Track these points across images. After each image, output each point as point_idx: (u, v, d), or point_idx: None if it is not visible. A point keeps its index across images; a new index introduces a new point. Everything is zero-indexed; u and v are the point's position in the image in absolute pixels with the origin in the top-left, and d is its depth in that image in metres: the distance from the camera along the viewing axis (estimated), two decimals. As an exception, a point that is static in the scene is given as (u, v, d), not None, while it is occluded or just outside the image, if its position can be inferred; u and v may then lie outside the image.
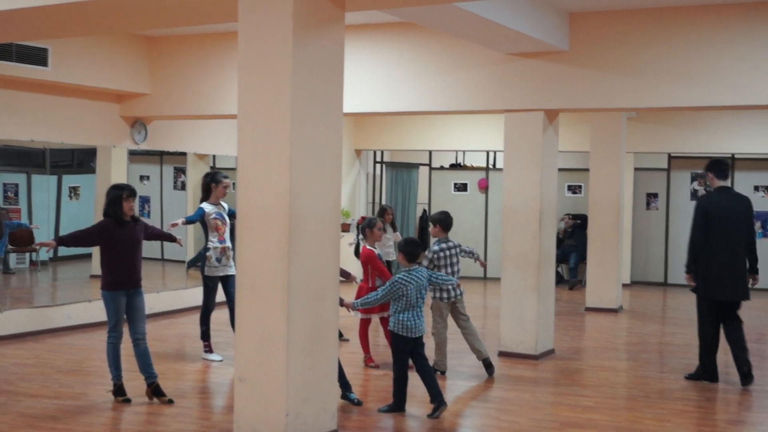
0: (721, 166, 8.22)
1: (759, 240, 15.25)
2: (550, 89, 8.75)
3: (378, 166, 17.36)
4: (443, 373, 8.22)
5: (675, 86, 8.22)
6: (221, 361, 8.73)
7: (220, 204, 8.88)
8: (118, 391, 7.11)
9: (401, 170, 17.32)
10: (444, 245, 8.12)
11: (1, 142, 10.18)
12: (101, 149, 11.29)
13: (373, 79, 9.51)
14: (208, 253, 8.72)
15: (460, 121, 15.49)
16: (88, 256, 11.14)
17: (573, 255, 15.58)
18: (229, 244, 8.78)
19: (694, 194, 15.90)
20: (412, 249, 6.93)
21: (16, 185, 10.74)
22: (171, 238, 7.80)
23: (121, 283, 7.02)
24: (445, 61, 9.20)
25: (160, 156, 12.76)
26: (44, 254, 10.86)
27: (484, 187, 16.76)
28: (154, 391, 7.08)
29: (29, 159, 10.71)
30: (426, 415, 6.76)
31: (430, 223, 8.44)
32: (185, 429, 6.38)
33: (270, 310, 5.65)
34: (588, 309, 12.67)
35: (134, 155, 11.75)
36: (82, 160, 11.59)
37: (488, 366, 8.24)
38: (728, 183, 8.29)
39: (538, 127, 8.94)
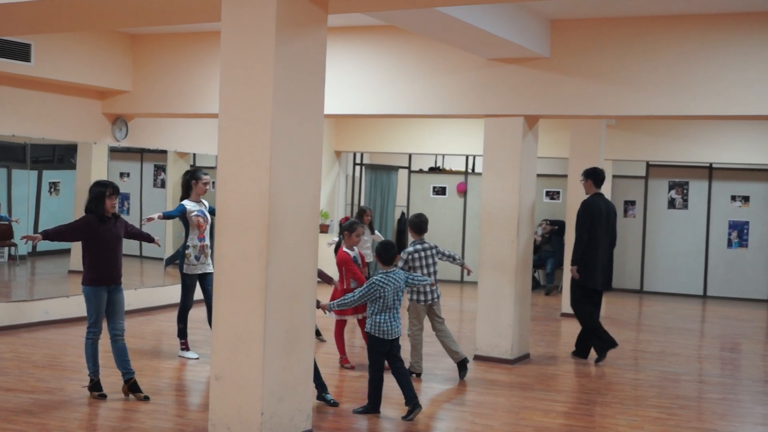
0: (600, 175, 9.50)
1: (735, 249, 15.68)
2: (530, 95, 8.82)
3: (358, 168, 17.40)
4: (419, 375, 8.27)
5: (654, 95, 8.32)
6: (197, 358, 8.75)
7: (201, 201, 8.88)
8: (95, 386, 7.13)
9: (381, 172, 17.37)
10: (419, 246, 8.18)
11: (-20, 136, 10.15)
12: (82, 145, 11.27)
13: (355, 82, 9.55)
14: (187, 251, 8.71)
15: (440, 125, 15.55)
16: (67, 251, 11.10)
17: (550, 261, 15.68)
18: (208, 242, 8.78)
19: (671, 203, 16.06)
20: (387, 252, 7.00)
21: (-5, 179, 10.71)
22: (149, 239, 7.78)
23: (103, 279, 7.06)
24: (427, 64, 9.26)
25: (140, 153, 12.74)
26: (23, 249, 10.81)
27: (462, 191, 16.83)
28: (131, 387, 7.09)
29: (10, 153, 10.66)
30: (401, 417, 6.81)
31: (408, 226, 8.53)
32: (161, 426, 6.38)
33: (247, 309, 5.67)
34: (564, 314, 12.73)
35: (115, 152, 11.73)
36: (62, 155, 11.55)
37: (463, 368, 8.28)
38: (601, 191, 9.51)
39: (518, 133, 9.01)
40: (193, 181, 8.80)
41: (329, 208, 15.92)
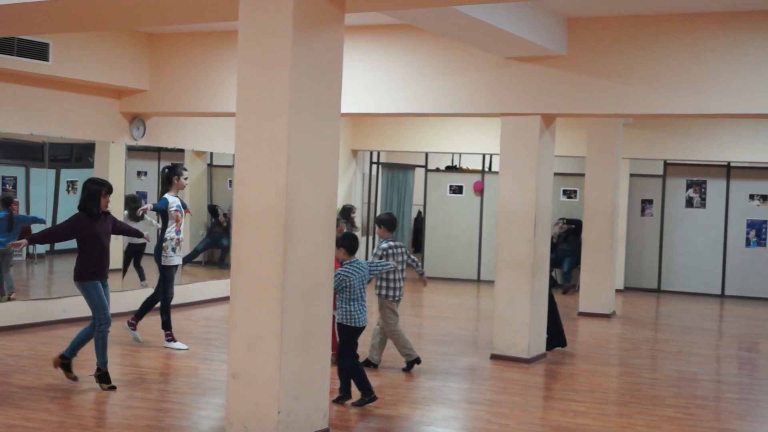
0: None
1: (754, 248, 15.57)
2: (547, 94, 8.79)
3: (374, 166, 17.40)
4: (419, 361, 8.36)
5: (672, 93, 8.27)
6: (187, 349, 8.98)
7: (178, 196, 9.24)
8: (103, 377, 7.29)
9: (397, 171, 17.36)
10: (392, 243, 8.38)
11: (0, 135, 10.21)
12: (100, 144, 11.32)
13: (371, 80, 9.55)
14: (164, 243, 8.96)
15: (457, 124, 15.54)
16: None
17: (567, 260, 15.63)
18: (182, 235, 9.21)
19: (689, 201, 15.97)
20: (351, 243, 7.30)
21: (15, 178, 10.76)
22: (137, 234, 8.12)
23: (97, 274, 7.30)
24: (443, 63, 9.24)
25: (157, 152, 12.79)
26: (41, 247, 10.88)
27: (479, 189, 16.80)
28: (101, 377, 7.29)
29: (28, 152, 10.73)
30: (351, 403, 6.99)
31: (376, 225, 8.69)
32: (177, 424, 6.40)
33: (264, 308, 5.68)
34: (581, 314, 12.71)
35: (132, 151, 11.78)
36: (80, 154, 11.62)
37: (411, 366, 8.40)
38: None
39: (535, 131, 8.98)
40: (174, 177, 9.14)
41: (345, 206, 15.91)
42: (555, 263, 15.48)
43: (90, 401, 6.99)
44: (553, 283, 15.50)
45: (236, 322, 5.82)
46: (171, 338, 9.09)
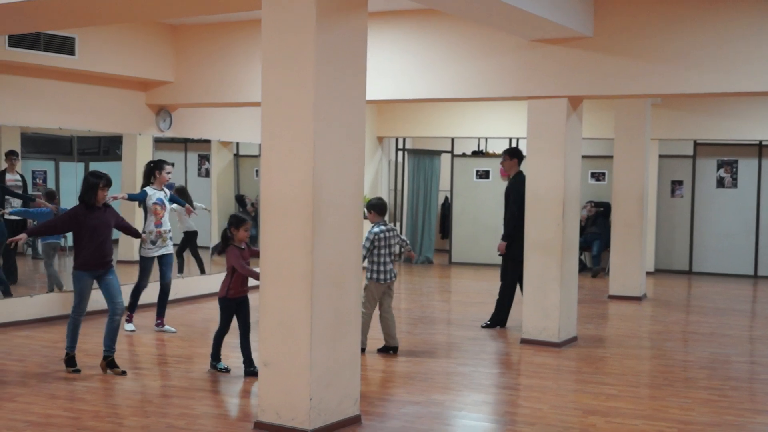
0: (522, 155, 10.05)
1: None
2: (574, 76, 8.71)
3: (400, 153, 17.38)
4: (364, 350, 8.35)
5: (701, 72, 8.15)
6: (133, 331, 9.41)
7: (163, 189, 9.42)
8: (70, 361, 7.58)
9: (423, 157, 17.32)
10: (383, 227, 8.42)
11: (29, 130, 10.30)
12: (127, 137, 11.40)
13: (396, 67, 9.51)
14: (143, 235, 9.10)
15: (483, 108, 15.46)
16: (115, 241, 11.22)
17: (596, 243, 15.52)
18: (167, 227, 9.38)
19: (720, 182, 15.80)
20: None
21: (45, 172, 10.88)
22: (136, 234, 8.35)
23: (90, 264, 7.49)
24: (468, 47, 9.18)
25: (184, 143, 12.85)
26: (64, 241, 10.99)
27: (506, 174, 16.68)
28: (109, 363, 7.52)
29: (57, 146, 10.84)
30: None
31: (365, 210, 8.67)
32: (210, 412, 6.45)
33: (293, 296, 5.70)
34: (611, 297, 12.64)
35: (159, 142, 11.85)
36: (108, 147, 11.70)
37: (391, 349, 8.50)
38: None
39: (562, 114, 8.91)
40: (156, 171, 9.38)
41: (372, 194, 15.91)
42: (584, 246, 15.38)
43: (125, 391, 7.05)
44: (582, 266, 15.51)
45: (266, 311, 5.84)
46: (130, 320, 9.49)
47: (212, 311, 10.90)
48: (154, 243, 9.26)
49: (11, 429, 5.93)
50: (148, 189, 9.33)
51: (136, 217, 10.52)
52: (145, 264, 9.35)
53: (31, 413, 6.31)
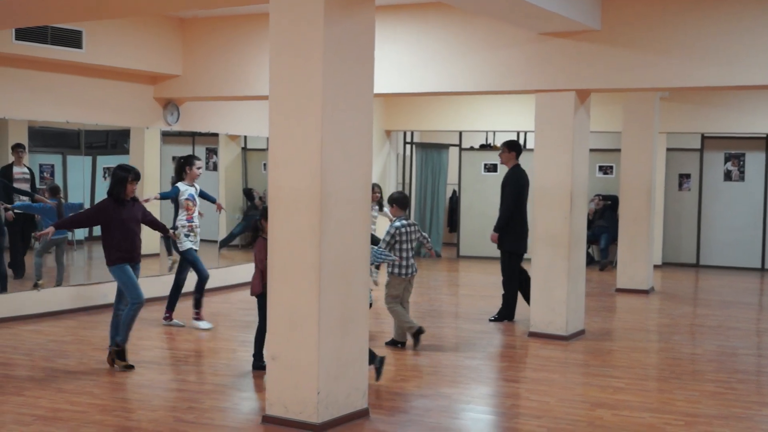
0: (521, 148, 10.10)
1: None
2: (581, 69, 8.69)
3: (408, 146, 17.36)
4: (404, 344, 8.42)
5: (709, 65, 8.13)
6: (183, 326, 9.39)
7: (194, 185, 9.45)
8: (121, 354, 7.50)
9: (431, 151, 17.31)
10: (405, 222, 8.42)
11: (36, 124, 10.33)
12: (135, 130, 11.42)
13: (404, 60, 9.51)
14: (177, 231, 9.18)
15: (491, 102, 15.44)
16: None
17: (603, 236, 15.51)
18: (197, 222, 9.43)
19: (727, 175, 15.76)
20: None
21: (52, 166, 10.90)
22: (164, 230, 8.35)
23: (124, 259, 7.46)
24: (476, 41, 9.17)
25: (192, 137, 12.86)
26: (80, 233, 11.02)
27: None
28: (118, 354, 7.49)
29: (65, 140, 10.86)
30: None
31: (388, 203, 8.78)
32: (220, 406, 6.47)
33: (301, 289, 5.70)
34: (619, 290, 12.63)
35: (167, 136, 11.86)
36: (116, 141, 11.73)
37: (417, 335, 8.44)
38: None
39: (570, 108, 8.90)
40: (187, 167, 9.41)
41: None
42: (592, 240, 15.36)
43: (133, 384, 7.08)
44: (590, 259, 15.49)
45: (274, 304, 5.85)
46: (198, 317, 9.44)
47: (219, 305, 10.93)
48: (187, 236, 9.31)
49: (19, 423, 5.96)
50: (180, 185, 9.37)
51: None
52: (191, 256, 9.36)
53: (39, 407, 6.34)
